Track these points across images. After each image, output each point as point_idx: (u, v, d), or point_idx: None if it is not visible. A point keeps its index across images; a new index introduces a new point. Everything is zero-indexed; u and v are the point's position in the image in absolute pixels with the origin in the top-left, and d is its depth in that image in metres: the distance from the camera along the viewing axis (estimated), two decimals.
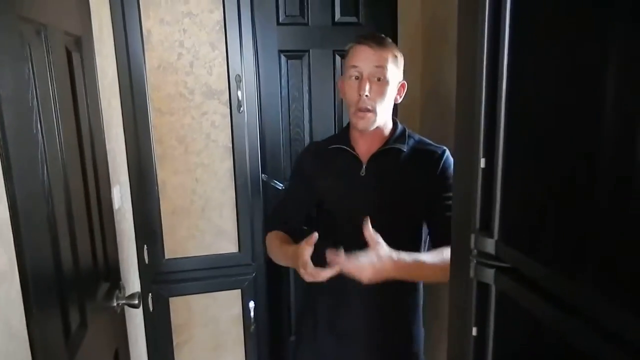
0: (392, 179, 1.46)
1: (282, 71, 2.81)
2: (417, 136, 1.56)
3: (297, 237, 1.55)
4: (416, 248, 1.48)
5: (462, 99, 0.73)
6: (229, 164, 2.17)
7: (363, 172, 1.47)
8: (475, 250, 0.66)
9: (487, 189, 0.66)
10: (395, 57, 1.44)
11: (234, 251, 2.23)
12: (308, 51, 2.84)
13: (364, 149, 1.50)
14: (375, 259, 1.24)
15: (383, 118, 1.45)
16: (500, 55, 0.65)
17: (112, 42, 1.94)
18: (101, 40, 1.77)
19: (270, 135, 2.84)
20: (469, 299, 0.69)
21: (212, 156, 2.15)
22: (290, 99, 2.91)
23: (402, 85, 1.49)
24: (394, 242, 1.30)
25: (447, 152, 1.48)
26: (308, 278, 1.31)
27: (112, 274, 1.67)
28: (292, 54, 2.82)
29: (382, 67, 1.39)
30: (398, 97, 1.49)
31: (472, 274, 0.67)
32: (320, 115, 2.94)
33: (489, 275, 0.64)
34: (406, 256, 1.28)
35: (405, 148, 1.47)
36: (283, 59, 2.81)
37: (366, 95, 1.38)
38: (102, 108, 1.69)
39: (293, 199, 1.64)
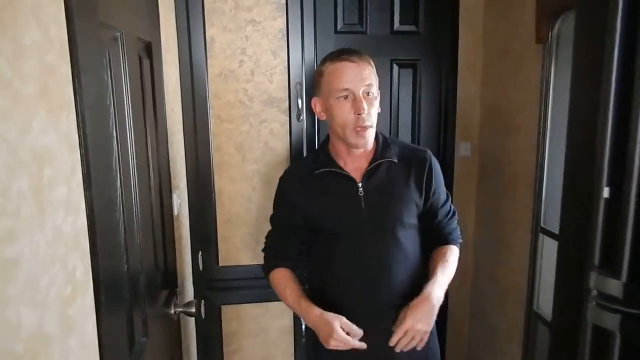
0: (391, 192, 1.44)
1: None
2: (397, 141, 1.56)
3: (298, 266, 1.54)
4: (421, 252, 1.51)
5: (577, 119, 0.65)
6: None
7: (361, 191, 1.42)
8: (594, 291, 0.59)
9: (611, 222, 0.58)
10: (373, 66, 1.42)
11: None
12: None
13: (354, 166, 1.46)
14: (418, 315, 1.27)
15: (374, 131, 1.44)
16: (637, 67, 0.57)
17: (177, 49, 1.95)
18: (167, 47, 1.77)
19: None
20: (582, 346, 0.61)
21: (269, 164, 2.13)
22: None
23: (378, 94, 1.45)
24: (404, 254, 1.41)
25: (429, 151, 1.52)
26: (333, 344, 1.27)
27: (171, 281, 1.67)
28: None
29: (370, 83, 1.37)
30: (379, 106, 1.46)
31: (588, 317, 0.59)
32: (377, 124, 2.88)
33: (612, 321, 0.57)
34: (433, 283, 1.36)
35: (396, 159, 1.45)
36: None
37: (365, 113, 1.37)
38: (167, 112, 1.70)
39: (286, 231, 1.55)
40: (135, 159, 1.18)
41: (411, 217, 1.47)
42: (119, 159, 1.05)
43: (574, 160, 0.66)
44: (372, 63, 1.42)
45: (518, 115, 2.46)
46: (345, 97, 1.37)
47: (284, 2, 2.01)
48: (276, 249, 1.57)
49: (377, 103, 1.41)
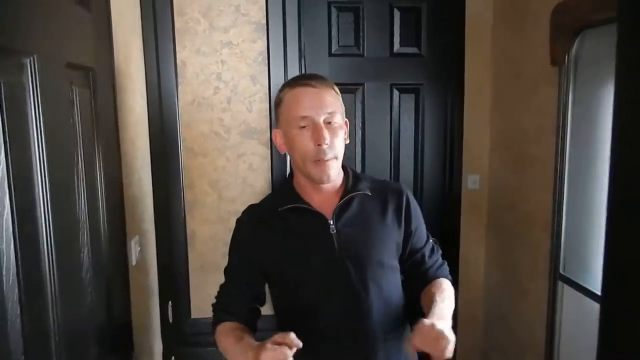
0: (367, 229, 1.27)
1: None
2: (367, 176, 1.38)
3: (248, 321, 1.29)
4: (403, 298, 1.33)
5: (626, 148, 0.41)
6: None
7: (332, 229, 1.23)
8: None
9: None
10: (337, 93, 1.26)
11: (269, 313, 1.93)
12: (363, 84, 2.56)
13: (322, 202, 1.27)
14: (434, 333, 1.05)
15: (340, 164, 1.26)
16: None
17: (143, 75, 1.74)
18: (127, 73, 1.57)
19: None
20: None
21: (248, 203, 1.88)
22: None
23: (346, 123, 1.27)
24: (385, 301, 1.24)
25: (404, 186, 1.37)
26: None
27: (124, 343, 1.42)
28: (345, 88, 2.55)
29: (332, 111, 1.20)
30: (346, 136, 1.27)
31: None
32: (375, 154, 2.64)
33: None
34: (437, 314, 1.16)
35: (369, 191, 1.28)
36: None
37: (326, 144, 1.19)
38: (124, 149, 1.47)
39: (236, 280, 1.32)
40: (50, 207, 0.94)
41: (391, 258, 1.29)
42: (44, 198, 0.82)
43: (623, 200, 0.43)
44: (336, 89, 1.26)
45: (532, 146, 2.20)
46: (305, 127, 1.19)
47: (264, 22, 1.80)
48: (225, 304, 1.31)
49: (342, 133, 1.23)
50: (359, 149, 2.58)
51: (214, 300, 1.34)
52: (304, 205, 1.24)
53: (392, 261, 1.29)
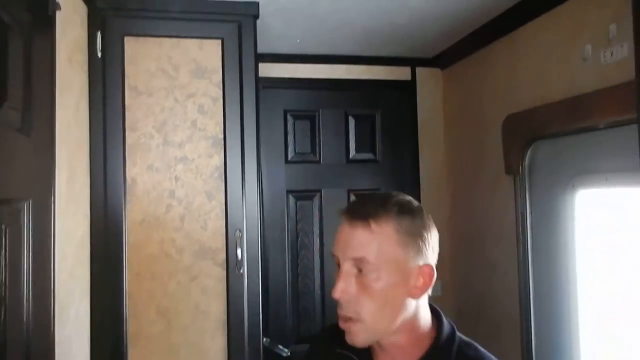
0: None
1: (290, 214, 2.46)
2: (471, 347, 0.95)
3: None
4: None
5: None
6: (221, 342, 1.70)
7: None
8: None
9: None
10: (379, 230, 0.89)
11: None
12: (320, 191, 2.52)
13: None
14: None
15: (383, 327, 0.91)
16: None
17: (87, 195, 1.59)
18: (70, 196, 1.41)
19: (274, 291, 2.39)
20: None
21: (201, 332, 1.69)
22: (299, 245, 2.51)
23: (421, 271, 0.91)
24: None
25: None
26: None
27: None
28: (302, 194, 2.50)
29: (360, 256, 0.89)
30: (416, 290, 0.91)
31: None
32: (333, 263, 2.53)
33: None
34: None
35: None
36: (291, 200, 2.48)
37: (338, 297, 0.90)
38: (59, 282, 1.28)
39: None
40: None
41: None
42: None
43: None
44: (392, 224, 0.90)
45: (494, 252, 2.18)
46: (338, 267, 0.93)
47: (222, 136, 1.73)
48: None
49: (378, 286, 0.88)
50: (317, 259, 2.47)
51: None
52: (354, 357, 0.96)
53: None
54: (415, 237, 0.90)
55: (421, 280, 0.89)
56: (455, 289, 2.52)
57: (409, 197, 0.96)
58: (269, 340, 2.13)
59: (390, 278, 0.88)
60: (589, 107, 1.57)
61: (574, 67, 1.63)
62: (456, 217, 2.52)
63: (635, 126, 1.12)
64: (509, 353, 2.04)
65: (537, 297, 1.94)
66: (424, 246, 0.90)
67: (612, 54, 1.47)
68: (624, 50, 1.42)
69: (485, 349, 0.97)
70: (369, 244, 0.88)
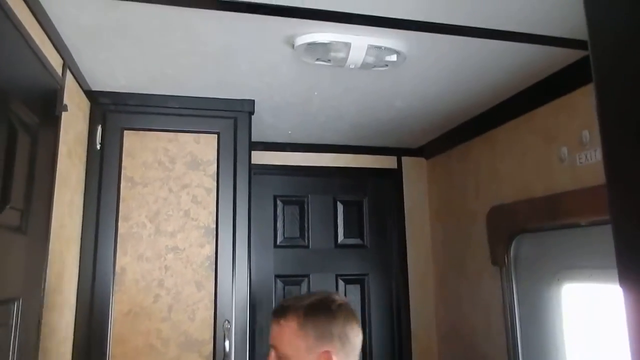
0: None
1: (278, 299, 2.43)
2: None
3: None
4: None
5: None
6: None
7: None
8: None
9: None
10: (298, 324, 1.11)
11: None
12: (308, 275, 2.52)
13: None
14: None
15: None
16: None
17: (75, 286, 1.58)
18: (58, 289, 1.41)
19: None
20: None
21: None
22: None
23: (320, 356, 1.08)
24: None
25: None
26: None
27: None
28: (290, 279, 2.49)
29: (274, 343, 1.13)
30: None
31: None
32: None
33: None
34: None
35: None
36: (279, 285, 2.46)
37: None
38: None
39: None
40: None
41: None
42: None
43: None
44: (288, 320, 1.12)
45: (483, 343, 2.16)
46: None
47: (214, 226, 1.76)
48: None
49: None
50: None
51: None
52: None
53: None
54: (316, 330, 1.09)
55: None
56: None
57: (330, 297, 1.16)
58: None
59: None
60: (568, 206, 1.64)
61: (552, 167, 1.72)
62: (444, 305, 2.51)
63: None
64: None
65: None
66: (323, 337, 1.08)
67: (586, 157, 1.57)
68: (597, 154, 1.52)
69: None
70: (278, 335, 1.12)
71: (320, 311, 1.11)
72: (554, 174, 1.72)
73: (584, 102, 1.59)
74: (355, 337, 1.12)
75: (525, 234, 1.93)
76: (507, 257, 1.99)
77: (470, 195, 2.27)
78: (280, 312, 1.14)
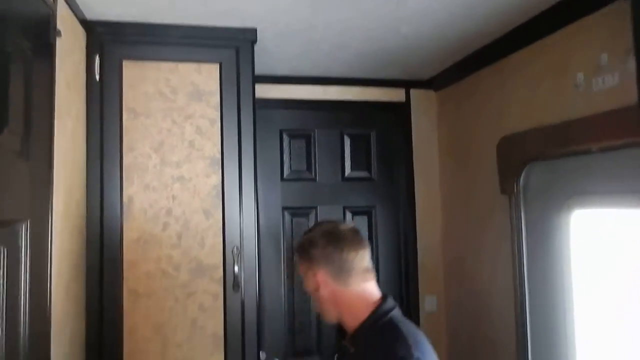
0: None
1: (286, 230, 2.49)
2: (395, 327, 1.20)
3: None
4: None
5: None
6: (218, 358, 1.71)
7: None
8: None
9: None
10: (299, 253, 1.34)
11: None
12: (315, 208, 2.55)
13: None
14: None
15: (324, 312, 1.30)
16: None
17: (84, 214, 1.62)
18: (67, 215, 1.45)
19: (270, 307, 2.41)
20: None
21: (198, 348, 1.71)
22: (295, 263, 2.54)
23: (315, 277, 1.27)
24: None
25: None
26: None
27: None
28: (298, 211, 2.53)
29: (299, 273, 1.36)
30: (318, 290, 1.28)
31: None
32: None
33: None
34: None
35: (353, 348, 1.24)
36: (287, 216, 2.50)
37: None
38: (55, 300, 1.31)
39: None
40: None
41: None
42: None
43: None
44: (299, 252, 1.34)
45: (488, 270, 2.20)
46: None
47: (219, 157, 1.77)
48: None
49: (308, 288, 1.31)
50: None
51: None
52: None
53: None
54: (310, 255, 1.28)
55: (317, 283, 1.26)
56: (450, 307, 2.54)
57: (327, 225, 1.34)
58: (265, 354, 2.13)
59: (309, 284, 1.30)
60: (581, 132, 1.61)
61: (566, 94, 1.67)
62: (451, 235, 2.54)
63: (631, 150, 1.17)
64: None
65: (533, 316, 1.96)
66: (315, 260, 1.26)
67: (603, 82, 1.51)
68: (615, 78, 1.46)
69: None
70: (297, 265, 1.34)
71: (312, 239, 1.29)
72: (568, 101, 1.67)
73: (602, 24, 1.51)
74: (359, 260, 1.27)
75: (536, 162, 1.91)
76: (517, 186, 1.98)
77: (480, 126, 2.23)
78: (295, 249, 1.35)
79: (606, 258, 1.66)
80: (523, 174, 1.97)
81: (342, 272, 1.24)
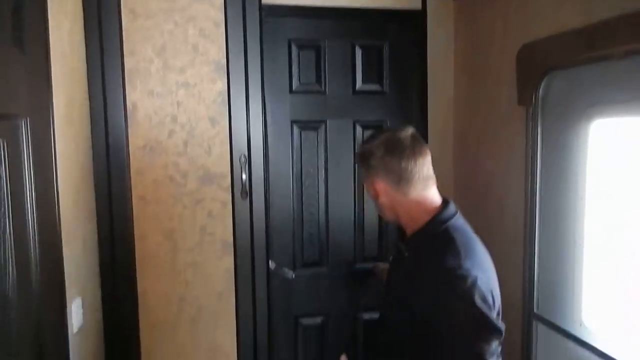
0: (397, 281, 1.37)
1: (295, 144, 2.45)
2: (452, 239, 1.21)
3: None
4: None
5: None
6: (227, 263, 1.75)
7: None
8: None
9: None
10: (359, 162, 1.36)
11: None
12: (325, 121, 2.49)
13: None
14: None
15: (386, 214, 1.35)
16: None
17: (88, 121, 1.59)
18: (69, 120, 1.41)
19: (279, 218, 2.43)
20: None
21: (207, 253, 1.74)
22: (304, 175, 2.52)
23: (374, 186, 1.29)
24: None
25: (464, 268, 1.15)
26: None
27: None
28: (307, 125, 2.47)
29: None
30: (379, 198, 1.30)
31: None
32: (338, 192, 2.54)
33: None
34: None
35: (406, 252, 1.30)
36: (296, 130, 2.45)
37: None
38: (65, 204, 1.31)
39: None
40: None
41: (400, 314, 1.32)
42: None
43: None
44: (359, 160, 1.36)
45: (500, 184, 2.17)
46: None
47: (224, 62, 1.70)
48: None
49: (371, 194, 1.34)
50: (322, 188, 2.49)
51: None
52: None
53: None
54: (369, 165, 1.27)
55: (377, 191, 1.27)
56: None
57: (386, 133, 1.30)
58: (274, 264, 2.18)
59: (369, 192, 1.32)
60: (607, 35, 1.50)
61: None
62: (464, 149, 2.49)
63: None
64: (510, 283, 2.08)
65: (543, 227, 1.95)
66: (374, 170, 1.26)
67: None
68: None
69: None
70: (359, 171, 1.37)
71: (371, 150, 1.27)
72: (593, 1, 1.54)
73: None
74: (419, 168, 1.25)
75: (557, 71, 1.81)
76: (535, 97, 1.90)
77: (500, 34, 2.10)
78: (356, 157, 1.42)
79: (624, 170, 1.61)
80: (543, 84, 1.88)
81: (401, 181, 1.23)
